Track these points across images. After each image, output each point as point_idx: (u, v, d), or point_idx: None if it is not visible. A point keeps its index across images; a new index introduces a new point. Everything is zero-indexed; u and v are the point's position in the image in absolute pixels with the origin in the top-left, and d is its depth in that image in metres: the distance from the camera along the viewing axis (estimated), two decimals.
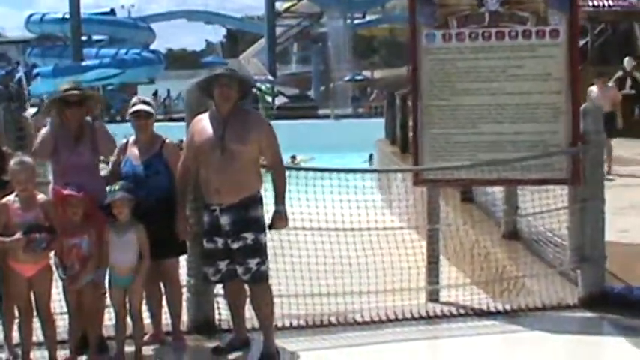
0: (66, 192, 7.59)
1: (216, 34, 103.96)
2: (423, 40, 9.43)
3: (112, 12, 71.84)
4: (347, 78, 61.89)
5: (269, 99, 57.50)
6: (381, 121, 32.13)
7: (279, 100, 59.05)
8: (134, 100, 8.42)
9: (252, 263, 7.80)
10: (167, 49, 77.90)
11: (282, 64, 73.39)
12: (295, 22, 71.78)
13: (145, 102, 8.28)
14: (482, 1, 9.27)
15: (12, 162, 7.54)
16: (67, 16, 61.45)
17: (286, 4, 73.14)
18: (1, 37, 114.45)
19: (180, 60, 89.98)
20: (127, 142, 8.32)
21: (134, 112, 8.17)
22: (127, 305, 7.93)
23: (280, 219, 7.90)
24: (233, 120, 7.81)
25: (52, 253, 7.66)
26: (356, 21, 71.38)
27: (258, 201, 7.91)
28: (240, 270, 7.84)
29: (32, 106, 23.21)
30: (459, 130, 9.39)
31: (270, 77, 59.63)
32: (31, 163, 7.56)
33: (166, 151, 8.19)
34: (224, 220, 7.78)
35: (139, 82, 63.92)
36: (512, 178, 9.55)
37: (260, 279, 7.90)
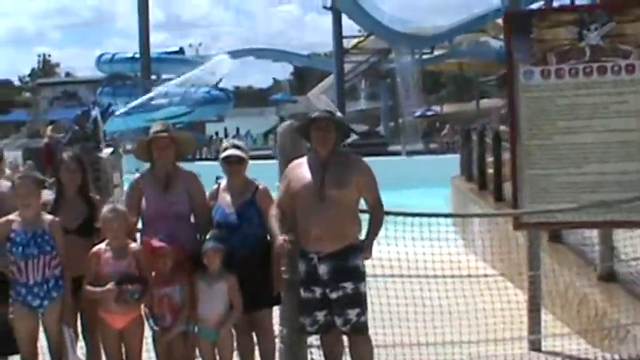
0: (156, 244, 7.30)
1: (283, 71, 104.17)
2: (521, 78, 8.98)
3: (181, 51, 72.50)
4: (417, 114, 61.58)
5: None
6: (454, 157, 31.60)
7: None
8: (225, 144, 8.07)
9: (352, 314, 7.42)
10: (234, 86, 77.72)
11: (351, 100, 73.15)
12: (363, 59, 71.58)
13: (236, 146, 7.91)
14: (582, 35, 8.79)
15: (104, 209, 7.27)
16: (137, 55, 61.96)
17: (354, 41, 73.07)
18: (70, 76, 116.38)
19: (246, 97, 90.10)
20: (218, 188, 7.97)
21: (226, 157, 7.83)
22: (217, 357, 7.61)
23: (366, 249, 7.55)
24: (332, 164, 7.47)
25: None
26: (424, 56, 70.95)
27: (357, 249, 7.51)
28: (339, 321, 7.46)
29: (107, 146, 22.99)
30: (560, 171, 8.89)
31: (339, 114, 59.28)
32: (123, 210, 7.29)
33: (260, 197, 7.80)
34: (323, 269, 7.42)
35: (208, 120, 64.24)
36: (620, 220, 9.01)
37: (360, 330, 7.52)
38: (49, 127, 24.59)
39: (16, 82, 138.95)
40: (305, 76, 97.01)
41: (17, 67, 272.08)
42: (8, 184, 7.80)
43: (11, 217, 7.24)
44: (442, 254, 9.77)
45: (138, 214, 7.75)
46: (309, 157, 7.63)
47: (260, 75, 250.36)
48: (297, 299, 7.77)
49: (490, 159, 22.18)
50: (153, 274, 7.36)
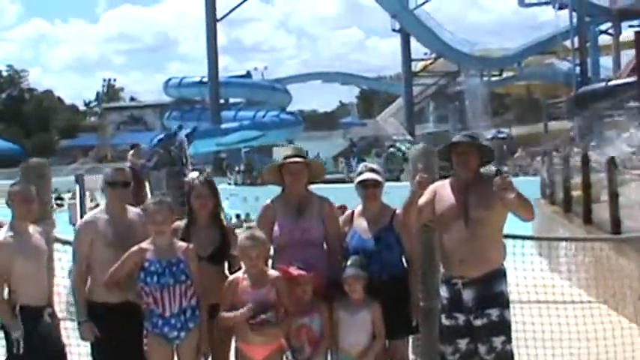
0: (295, 272, 7.04)
1: (349, 94, 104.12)
2: None
3: (248, 75, 72.66)
4: (489, 136, 60.97)
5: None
6: (528, 179, 31.21)
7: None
8: (361, 167, 7.74)
9: (497, 342, 7.07)
10: (298, 110, 77.76)
11: (419, 123, 72.80)
12: (431, 82, 71.31)
13: (372, 169, 7.63)
14: None
15: (242, 237, 7.01)
16: (205, 79, 62.21)
17: (421, 64, 72.82)
18: (134, 101, 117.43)
19: (310, 121, 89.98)
20: (353, 213, 7.69)
21: (362, 180, 7.55)
22: None
23: None
24: (475, 186, 7.15)
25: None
26: (492, 78, 70.45)
27: (502, 274, 7.20)
28: (482, 349, 7.10)
29: (193, 170, 22.79)
30: None
31: (409, 137, 59.05)
32: (263, 238, 7.00)
33: (397, 222, 7.51)
34: (467, 295, 7.09)
35: (277, 144, 64.21)
36: None
37: (505, 359, 7.18)
38: (130, 152, 24.46)
39: (82, 107, 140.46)
40: (371, 99, 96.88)
41: (81, 92, 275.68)
42: (137, 210, 7.58)
43: (144, 245, 6.98)
44: (530, 278, 9.73)
45: (270, 241, 7.49)
46: (452, 180, 7.33)
47: (323, 98, 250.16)
48: (435, 327, 7.48)
49: (575, 181, 21.77)
50: (290, 303, 7.05)
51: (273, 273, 7.02)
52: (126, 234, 7.22)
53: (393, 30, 66.31)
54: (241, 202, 36.26)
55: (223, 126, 56.06)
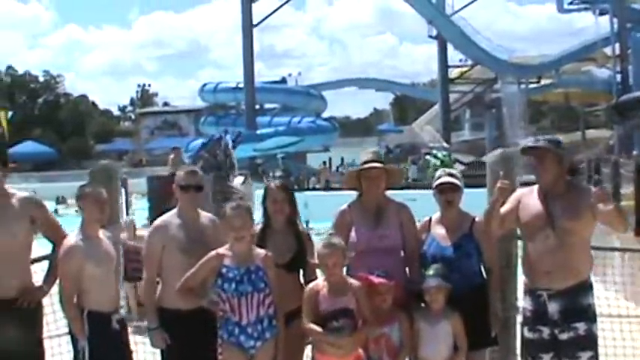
0: (376, 280, 6.78)
1: (382, 101, 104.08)
2: None
3: (284, 80, 72.49)
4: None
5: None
6: None
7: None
8: (439, 172, 7.48)
9: (584, 357, 6.79)
10: (330, 116, 77.42)
11: (455, 130, 72.39)
12: (468, 89, 70.81)
13: (451, 174, 7.35)
14: None
15: (320, 244, 6.77)
16: (241, 85, 62.03)
17: (456, 71, 72.37)
18: (168, 106, 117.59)
19: (345, 127, 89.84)
20: (430, 220, 7.43)
21: (440, 184, 7.28)
22: None
23: None
24: (561, 195, 6.86)
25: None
26: (530, 86, 69.88)
27: (589, 287, 6.92)
28: None
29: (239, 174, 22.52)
30: None
31: (445, 144, 58.65)
32: (341, 245, 6.74)
33: (477, 230, 7.23)
34: (552, 308, 6.80)
35: (310, 150, 64.03)
36: None
37: None
38: (171, 156, 24.24)
39: (116, 112, 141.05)
40: (405, 106, 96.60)
41: (114, 97, 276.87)
42: (209, 215, 7.36)
43: (221, 250, 6.74)
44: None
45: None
46: (539, 188, 7.03)
47: (356, 105, 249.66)
48: (512, 339, 7.33)
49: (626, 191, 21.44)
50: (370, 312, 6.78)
51: (353, 282, 6.76)
52: (198, 239, 7.03)
53: (430, 36, 65.84)
54: None
55: (259, 131, 55.76)
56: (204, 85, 69.14)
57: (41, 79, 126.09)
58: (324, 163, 60.77)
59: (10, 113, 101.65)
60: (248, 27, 59.18)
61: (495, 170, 7.81)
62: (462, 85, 71.45)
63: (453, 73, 71.43)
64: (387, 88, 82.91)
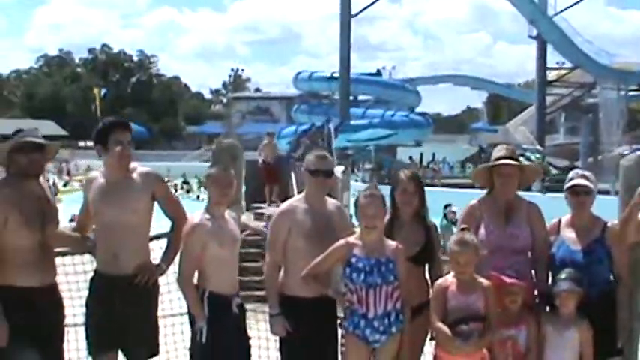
0: (507, 279, 6.57)
1: (474, 99, 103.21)
2: None
3: (379, 73, 72.11)
4: (626, 152, 59.29)
5: None
6: None
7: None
8: (572, 174, 7.21)
9: None
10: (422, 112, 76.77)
11: (549, 133, 71.18)
12: (565, 92, 69.57)
13: (584, 176, 7.08)
14: None
15: (452, 239, 6.57)
16: (336, 74, 61.81)
17: (554, 73, 71.16)
18: (260, 92, 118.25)
19: (438, 123, 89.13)
20: (560, 222, 7.18)
21: (572, 186, 7.03)
22: None
23: None
24: None
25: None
26: (630, 93, 68.42)
27: None
28: None
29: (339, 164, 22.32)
30: None
31: (538, 147, 57.73)
32: (475, 243, 6.53)
33: (610, 235, 6.96)
34: None
35: (401, 145, 63.61)
36: None
37: None
38: (264, 142, 24.06)
39: (207, 95, 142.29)
40: (499, 106, 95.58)
41: (205, 80, 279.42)
42: (336, 202, 7.21)
43: (351, 239, 6.58)
44: None
45: None
46: None
47: (447, 102, 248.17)
48: (636, 351, 7.13)
49: None
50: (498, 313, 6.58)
51: (482, 280, 6.55)
52: (324, 225, 6.88)
53: (530, 36, 64.80)
54: None
55: (353, 122, 55.46)
56: (299, 72, 69.02)
57: (135, 58, 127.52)
58: (410, 158, 60.49)
59: (103, 91, 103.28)
60: (346, 17, 58.86)
61: (629, 175, 7.52)
62: (559, 87, 70.18)
63: (551, 75, 70.25)
64: (483, 87, 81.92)
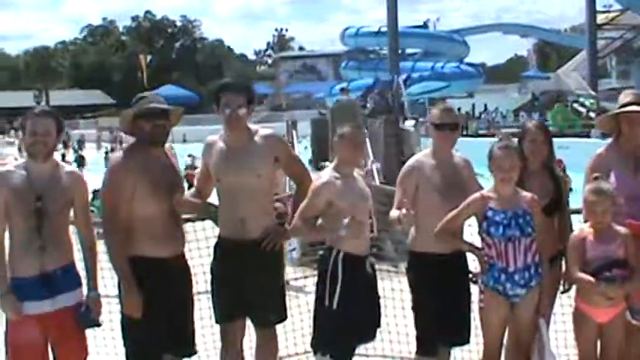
0: None
1: (518, 47, 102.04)
2: None
3: (425, 25, 71.69)
4: None
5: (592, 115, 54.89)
6: None
7: None
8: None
9: None
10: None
11: (601, 78, 70.25)
12: (617, 35, 68.55)
13: None
14: None
15: (587, 188, 6.41)
16: (383, 29, 61.44)
17: (603, 16, 70.09)
18: (303, 50, 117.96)
19: (488, 73, 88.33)
20: None
21: None
22: None
23: None
24: None
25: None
26: None
27: None
28: None
29: (410, 118, 22.11)
30: None
31: (591, 92, 57.00)
32: (611, 192, 6.35)
33: None
34: None
35: (453, 96, 63.20)
36: None
37: None
38: (340, 98, 23.82)
39: (251, 56, 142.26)
40: (547, 52, 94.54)
41: (247, 42, 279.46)
42: (462, 155, 7.03)
43: (485, 192, 6.44)
44: None
45: None
46: None
47: (491, 51, 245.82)
48: None
49: None
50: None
51: (620, 229, 6.38)
52: (454, 180, 6.72)
53: None
54: None
55: (404, 76, 55.16)
56: (346, 29, 68.76)
57: (178, 23, 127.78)
58: (459, 109, 59.97)
59: (148, 58, 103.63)
60: None
61: None
62: (610, 31, 69.16)
63: (599, 19, 69.26)
64: (532, 34, 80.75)
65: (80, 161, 45.88)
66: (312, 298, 6.80)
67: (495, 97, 73.62)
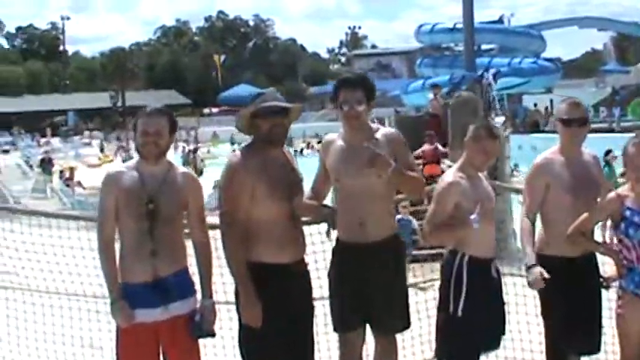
0: None
1: (593, 41, 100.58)
2: None
3: (500, 21, 70.85)
4: None
5: None
6: None
7: None
8: None
9: None
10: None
11: None
12: None
13: None
14: None
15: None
16: (458, 25, 60.87)
17: None
18: (376, 48, 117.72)
19: (565, 68, 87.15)
20: None
21: None
22: None
23: None
24: None
25: None
26: None
27: None
28: None
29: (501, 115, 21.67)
30: None
31: None
32: None
33: None
34: None
35: (529, 92, 62.42)
36: None
37: None
38: (434, 96, 23.33)
39: (324, 55, 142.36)
40: (625, 46, 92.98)
41: (319, 41, 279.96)
42: (591, 151, 6.70)
43: (622, 191, 6.10)
44: None
45: None
46: None
47: (565, 46, 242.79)
48: None
49: None
50: None
51: None
52: (584, 178, 6.41)
53: None
54: (516, 150, 35.18)
55: (493, 71, 54.49)
56: (421, 25, 68.10)
57: (251, 23, 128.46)
58: (535, 105, 59.39)
59: (222, 57, 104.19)
60: None
61: None
62: None
63: None
64: (610, 27, 79.24)
65: None
66: (431, 303, 6.52)
67: (572, 92, 72.43)
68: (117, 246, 5.96)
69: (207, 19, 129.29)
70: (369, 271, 6.25)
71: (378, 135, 6.35)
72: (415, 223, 14.43)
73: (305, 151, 57.76)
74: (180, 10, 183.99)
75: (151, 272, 5.84)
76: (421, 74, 63.61)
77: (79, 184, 36.80)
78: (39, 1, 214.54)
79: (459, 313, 6.17)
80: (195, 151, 50.27)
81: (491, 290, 6.32)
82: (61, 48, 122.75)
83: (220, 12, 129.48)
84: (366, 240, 6.24)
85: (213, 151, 55.05)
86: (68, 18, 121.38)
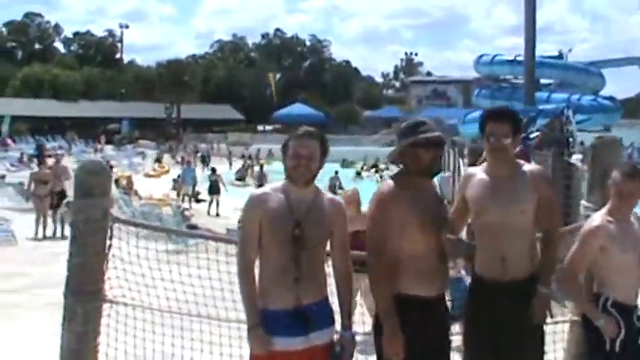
0: None
1: None
2: None
3: (560, 55, 70.54)
4: None
5: None
6: None
7: None
8: None
9: None
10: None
11: None
12: None
13: None
14: None
15: None
16: (519, 57, 60.73)
17: None
18: (431, 75, 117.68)
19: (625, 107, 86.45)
20: None
21: None
22: None
23: None
24: None
25: None
26: None
27: None
28: None
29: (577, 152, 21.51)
30: None
31: None
32: None
33: None
34: None
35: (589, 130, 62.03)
36: None
37: None
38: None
39: (377, 79, 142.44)
40: None
41: (371, 65, 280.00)
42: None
43: None
44: None
45: None
46: None
47: (618, 84, 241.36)
48: None
49: None
50: None
51: None
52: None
53: None
54: None
55: (541, 107, 54.25)
56: (481, 56, 68.00)
57: (307, 43, 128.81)
58: (582, 143, 58.79)
59: (277, 75, 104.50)
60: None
61: None
62: None
63: None
64: None
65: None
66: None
67: (628, 131, 72.00)
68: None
69: (264, 35, 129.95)
70: (506, 310, 6.13)
71: (522, 170, 6.28)
72: None
73: (363, 174, 58.34)
74: (234, 26, 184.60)
75: (293, 299, 5.68)
76: (478, 104, 63.40)
77: (136, 193, 36.64)
78: (95, 8, 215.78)
79: (617, 349, 6.20)
80: (261, 167, 50.63)
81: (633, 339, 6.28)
82: (118, 56, 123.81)
83: (277, 30, 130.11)
84: (504, 277, 6.13)
85: (267, 168, 55.13)
86: (127, 26, 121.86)
